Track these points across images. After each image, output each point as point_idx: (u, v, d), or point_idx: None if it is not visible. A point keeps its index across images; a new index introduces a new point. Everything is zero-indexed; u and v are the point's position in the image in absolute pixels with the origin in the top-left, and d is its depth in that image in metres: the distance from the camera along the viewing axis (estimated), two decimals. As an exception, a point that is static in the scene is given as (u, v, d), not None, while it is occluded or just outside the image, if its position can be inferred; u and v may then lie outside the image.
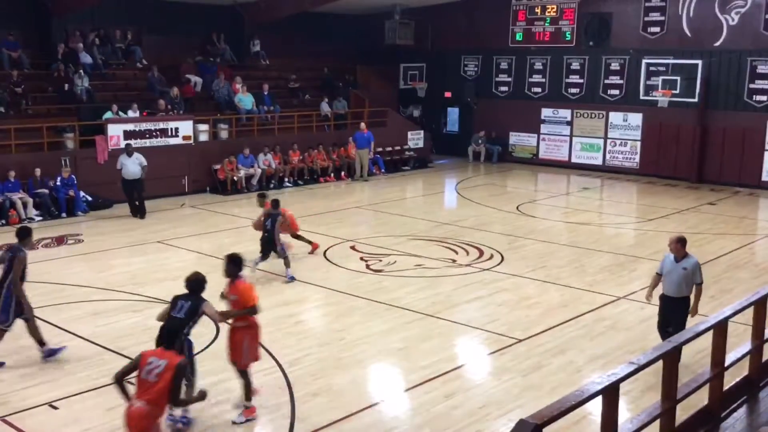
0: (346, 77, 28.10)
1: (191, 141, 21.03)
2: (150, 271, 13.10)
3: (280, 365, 8.98)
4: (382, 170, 25.33)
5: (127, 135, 19.49)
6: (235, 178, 21.39)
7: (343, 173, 24.11)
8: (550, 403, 4.77)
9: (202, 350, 9.10)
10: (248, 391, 7.81)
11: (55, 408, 7.84)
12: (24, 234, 9.33)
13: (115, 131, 19.41)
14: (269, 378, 8.66)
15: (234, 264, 7.90)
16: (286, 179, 22.79)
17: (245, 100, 23.36)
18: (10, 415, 7.62)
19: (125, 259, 14.07)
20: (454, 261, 13.98)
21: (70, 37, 22.25)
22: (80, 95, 20.52)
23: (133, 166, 17.71)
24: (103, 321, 10.51)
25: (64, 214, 17.65)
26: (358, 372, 9.02)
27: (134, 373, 6.18)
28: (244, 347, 7.75)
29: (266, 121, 23.84)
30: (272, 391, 8.35)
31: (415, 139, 27.53)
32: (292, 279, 12.51)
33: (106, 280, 12.51)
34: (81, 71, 20.83)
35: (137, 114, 20.39)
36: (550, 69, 26.81)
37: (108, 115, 19.68)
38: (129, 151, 17.90)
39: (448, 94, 29.21)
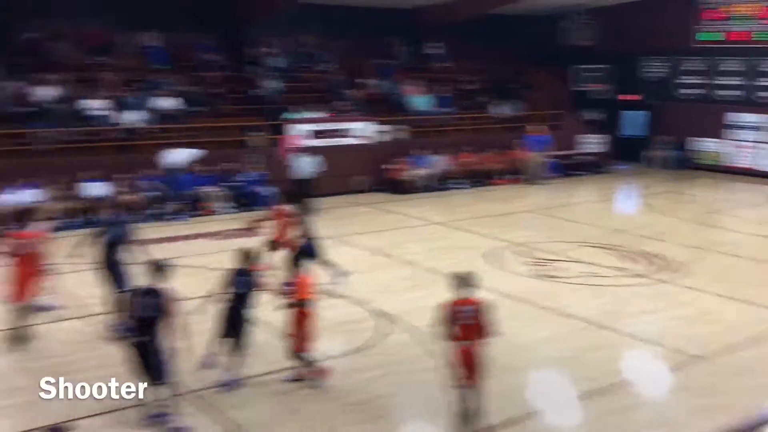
0: (520, 79, 27.79)
1: (369, 141, 21.74)
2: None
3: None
4: (557, 174, 24.79)
5: (310, 135, 20.53)
6: (408, 178, 21.84)
7: (514, 176, 23.88)
8: (726, 425, 4.51)
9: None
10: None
11: (231, 389, 8.40)
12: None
13: (299, 131, 20.50)
14: (436, 376, 8.76)
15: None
16: (458, 180, 22.92)
17: (421, 101, 23.78)
18: (193, 392, 8.26)
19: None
20: (628, 270, 13.44)
21: (261, 42, 23.77)
22: (269, 96, 21.87)
23: (306, 166, 18.46)
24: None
25: (250, 208, 18.83)
26: (522, 377, 8.92)
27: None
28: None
29: (441, 123, 24.14)
30: (439, 390, 8.45)
31: (591, 143, 26.67)
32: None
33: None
34: (270, 75, 22.23)
35: (320, 115, 21.40)
36: (740, 71, 24.98)
37: (288, 115, 20.81)
38: (303, 151, 18.66)
39: (626, 97, 28.02)
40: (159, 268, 7.48)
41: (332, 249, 13.89)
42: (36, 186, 16.57)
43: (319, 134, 20.82)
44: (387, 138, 22.58)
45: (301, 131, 20.56)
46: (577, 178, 25.07)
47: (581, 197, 22.35)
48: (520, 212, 19.29)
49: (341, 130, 21.27)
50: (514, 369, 9.04)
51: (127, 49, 21.65)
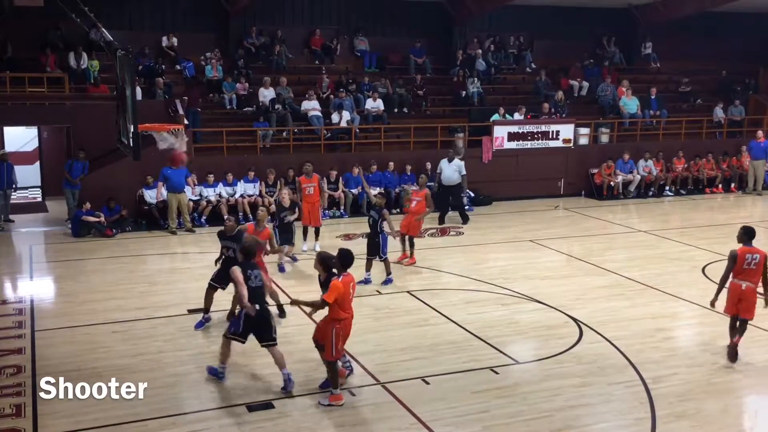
0: (746, 80, 25.66)
1: (571, 144, 21.18)
2: (520, 267, 13.56)
3: (643, 380, 8.67)
4: (783, 185, 22.65)
5: (511, 137, 20.42)
6: (612, 183, 21.01)
7: (733, 185, 22.15)
8: None
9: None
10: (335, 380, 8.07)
11: (427, 383, 8.60)
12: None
13: (500, 132, 20.44)
14: (630, 391, 8.42)
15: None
16: (668, 187, 21.69)
17: (630, 103, 22.76)
18: (389, 383, 8.58)
19: (499, 254, 14.78)
20: None
21: (468, 43, 23.98)
22: (472, 98, 22.02)
23: (450, 172, 17.87)
24: (474, 309, 11.21)
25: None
26: (732, 401, 8.30)
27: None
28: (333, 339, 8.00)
29: (650, 126, 22.97)
30: (632, 404, 8.11)
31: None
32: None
33: (481, 272, 13.27)
34: (474, 77, 22.37)
35: (522, 117, 21.18)
36: None
37: (495, 117, 20.78)
38: (450, 156, 18.01)
39: None
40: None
41: (530, 251, 13.78)
42: (256, 180, 17.97)
43: (521, 137, 20.60)
44: (591, 141, 21.85)
45: (503, 133, 20.46)
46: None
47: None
48: (736, 224, 17.77)
49: (542, 132, 20.89)
50: (722, 392, 8.45)
51: (342, 53, 22.80)
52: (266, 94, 19.88)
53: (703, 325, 10.80)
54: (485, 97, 22.42)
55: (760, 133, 21.97)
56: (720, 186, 22.13)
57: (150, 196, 17.06)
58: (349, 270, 8.14)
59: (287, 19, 22.45)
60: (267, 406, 7.97)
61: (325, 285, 8.15)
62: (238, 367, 8.96)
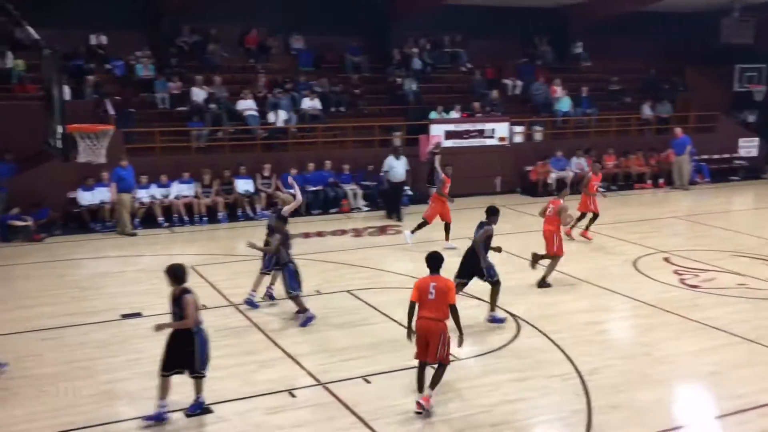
0: (672, 79, 26.51)
1: (506, 142, 21.49)
2: (458, 264, 13.63)
3: (579, 372, 8.85)
4: (707, 179, 23.47)
5: (448, 135, 20.58)
6: (548, 180, 21.40)
7: (661, 180, 22.84)
8: None
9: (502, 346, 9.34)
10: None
11: (368, 382, 8.59)
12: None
13: (438, 131, 20.59)
14: (566, 383, 8.59)
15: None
16: (599, 184, 22.17)
17: (562, 102, 23.23)
18: (330, 383, 8.53)
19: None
20: (785, 284, 12.51)
21: (404, 43, 24.06)
22: (408, 97, 22.11)
23: (402, 169, 18.18)
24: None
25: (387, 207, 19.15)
26: (664, 391, 8.53)
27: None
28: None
29: (582, 124, 23.49)
30: (569, 397, 8.27)
31: (748, 147, 25.06)
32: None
33: (420, 270, 13.19)
34: (412, 75, 22.48)
35: (459, 115, 21.39)
36: None
37: (433, 115, 20.92)
38: (398, 152, 18.38)
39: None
40: None
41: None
42: (191, 181, 17.67)
43: (457, 135, 20.81)
44: (525, 139, 22.24)
45: (440, 131, 20.62)
46: (730, 183, 23.64)
47: (733, 204, 21.03)
48: (665, 218, 18.41)
49: (479, 130, 21.15)
50: (655, 382, 8.68)
51: (278, 51, 22.57)
52: (199, 93, 19.55)
53: (635, 318, 11.11)
54: (422, 96, 22.54)
55: (678, 130, 22.69)
56: (649, 182, 22.77)
57: (85, 198, 16.58)
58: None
59: (221, 17, 22.04)
60: (205, 411, 7.83)
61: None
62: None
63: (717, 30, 25.66)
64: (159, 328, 7.77)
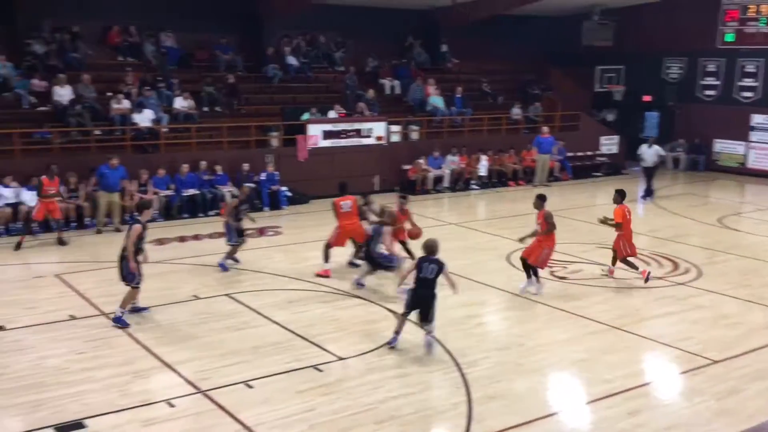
0: (540, 80, 27.69)
1: (384, 141, 21.74)
2: (339, 263, 13.67)
3: (458, 365, 9.07)
4: (570, 175, 24.67)
5: (326, 135, 20.58)
6: (425, 178, 21.82)
7: (520, 180, 23.80)
8: (745, 429, 4.44)
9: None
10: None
11: (251, 387, 8.44)
12: (142, 207, 10.74)
13: (315, 131, 20.53)
14: (447, 377, 8.78)
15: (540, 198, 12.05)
16: (473, 181, 22.87)
17: (437, 102, 23.76)
18: (210, 390, 8.32)
19: (318, 252, 14.75)
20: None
21: (279, 41, 23.83)
22: (286, 96, 21.92)
23: (650, 156, 20.97)
24: (295, 309, 11.16)
25: (266, 208, 18.92)
26: (538, 379, 8.88)
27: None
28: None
29: (457, 124, 24.11)
30: (449, 390, 8.46)
31: (609, 144, 26.56)
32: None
33: (300, 271, 13.23)
34: (287, 74, 22.30)
35: (335, 115, 21.42)
36: (765, 72, 24.75)
37: (305, 116, 20.83)
38: (650, 142, 21.36)
39: (647, 98, 27.86)
40: None
41: (349, 248, 13.92)
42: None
43: (334, 135, 20.84)
44: (402, 138, 22.58)
45: (318, 131, 20.57)
46: (592, 179, 24.95)
47: (596, 199, 22.21)
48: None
49: (356, 130, 21.27)
50: (529, 371, 9.02)
51: (146, 49, 21.76)
52: (62, 93, 18.55)
53: (509, 310, 11.51)
54: (298, 95, 22.41)
55: (545, 128, 23.75)
56: (519, 179, 23.67)
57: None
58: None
59: (83, 12, 20.98)
60: (77, 426, 7.44)
61: None
62: (43, 387, 8.28)
63: (579, 33, 27.07)
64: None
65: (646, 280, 12.50)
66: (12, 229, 15.87)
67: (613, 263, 13.11)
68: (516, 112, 25.27)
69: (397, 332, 9.64)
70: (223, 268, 13.10)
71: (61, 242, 15.11)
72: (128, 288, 10.36)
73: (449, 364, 9.12)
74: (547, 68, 28.39)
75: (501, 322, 11.26)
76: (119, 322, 10.21)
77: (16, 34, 20.13)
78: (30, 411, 7.76)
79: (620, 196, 12.98)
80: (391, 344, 9.58)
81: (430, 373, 8.89)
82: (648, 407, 8.13)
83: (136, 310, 10.69)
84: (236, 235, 13.22)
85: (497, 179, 23.31)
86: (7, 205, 15.90)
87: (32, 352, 9.37)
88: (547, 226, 11.88)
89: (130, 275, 10.27)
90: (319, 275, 12.78)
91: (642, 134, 28.22)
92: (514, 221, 17.83)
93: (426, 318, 9.44)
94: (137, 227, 10.19)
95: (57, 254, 14.66)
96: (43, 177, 15.04)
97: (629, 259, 12.86)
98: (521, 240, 12.29)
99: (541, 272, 12.25)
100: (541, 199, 12.17)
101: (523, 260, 12.08)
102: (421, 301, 9.39)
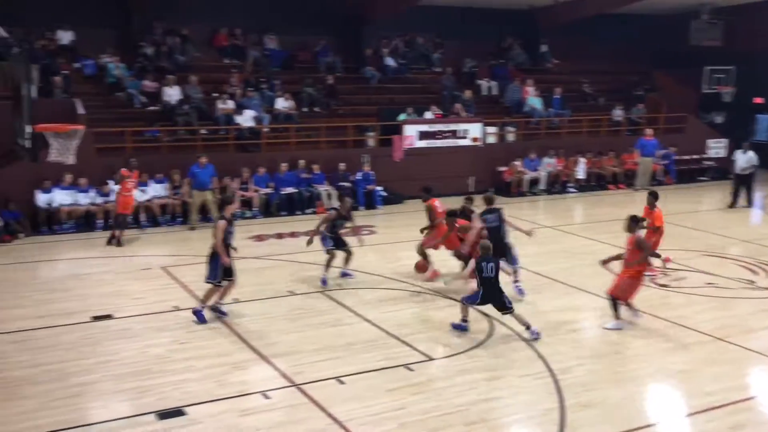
0: (644, 81, 26.85)
1: (479, 143, 21.61)
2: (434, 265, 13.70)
3: (551, 371, 8.93)
4: (674, 179, 23.81)
5: (422, 136, 20.66)
6: (521, 179, 21.56)
7: (630, 182, 23.15)
8: None
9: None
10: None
11: (342, 383, 8.58)
12: (224, 202, 10.72)
13: (411, 132, 20.64)
14: (539, 382, 8.66)
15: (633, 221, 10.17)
16: (570, 184, 22.42)
17: (535, 103, 23.43)
18: (304, 384, 8.51)
19: (411, 252, 14.82)
20: (752, 282, 12.73)
21: (378, 42, 24.09)
22: (383, 97, 22.15)
23: (743, 162, 19.93)
24: (387, 308, 11.27)
25: (362, 207, 19.15)
26: (634, 389, 8.63)
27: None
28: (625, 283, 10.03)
29: (554, 125, 23.70)
30: (541, 395, 8.34)
31: (716, 147, 25.46)
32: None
33: (393, 270, 13.34)
34: (385, 75, 22.53)
35: (432, 116, 21.46)
36: None
37: (402, 116, 20.96)
38: (744, 147, 20.30)
39: (758, 100, 26.51)
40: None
41: (441, 250, 13.92)
42: (165, 180, 17.53)
43: (430, 135, 20.89)
44: (498, 139, 22.40)
45: (413, 132, 20.68)
46: (698, 184, 24.00)
47: (702, 204, 21.35)
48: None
49: (452, 131, 21.25)
50: (625, 380, 8.79)
51: (250, 51, 22.44)
52: (171, 93, 19.38)
53: (606, 317, 11.20)
54: (395, 96, 22.59)
55: (648, 131, 22.99)
56: (620, 182, 23.03)
57: (42, 200, 16.34)
58: None
59: (192, 16, 21.91)
60: (178, 413, 7.77)
61: None
62: (147, 374, 8.70)
63: (685, 32, 26.05)
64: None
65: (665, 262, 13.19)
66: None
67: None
68: (617, 113, 24.61)
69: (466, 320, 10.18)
70: (323, 283, 12.26)
71: (118, 242, 15.26)
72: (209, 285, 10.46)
73: (542, 370, 8.99)
74: (651, 68, 27.50)
75: (597, 328, 10.97)
76: (198, 316, 10.37)
77: (129, 36, 21.19)
78: (135, 397, 8.16)
79: (654, 198, 13.24)
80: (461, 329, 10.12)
81: (521, 377, 8.79)
82: (752, 423, 7.77)
83: (216, 310, 10.71)
84: (332, 242, 12.45)
85: (595, 182, 22.77)
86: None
87: (138, 340, 9.85)
88: (640, 255, 10.21)
89: (212, 273, 10.33)
90: (429, 279, 12.71)
91: (753, 138, 26.93)
92: (614, 225, 17.32)
93: (504, 308, 9.88)
94: (222, 223, 10.30)
95: (164, 248, 15.34)
96: (123, 169, 15.41)
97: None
98: (604, 263, 10.93)
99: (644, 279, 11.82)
100: (634, 222, 10.27)
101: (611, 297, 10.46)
102: (491, 297, 9.82)
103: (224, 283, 10.56)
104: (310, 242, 12.21)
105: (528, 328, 9.92)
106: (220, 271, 10.37)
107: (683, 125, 25.09)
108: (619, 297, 10.36)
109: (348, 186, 19.22)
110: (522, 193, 21.54)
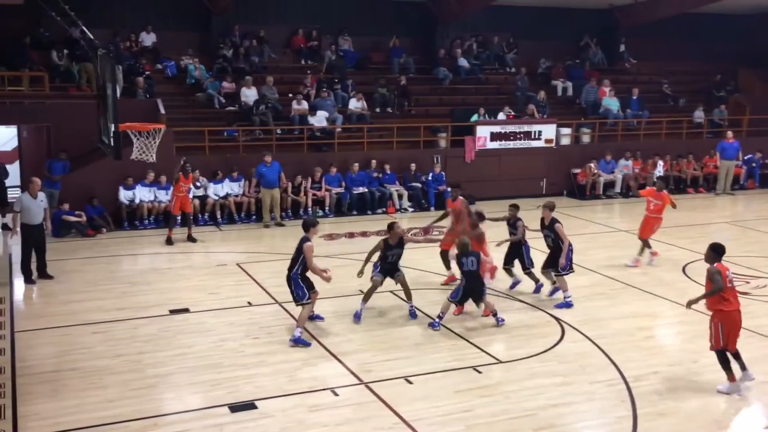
0: (725, 81, 25.93)
1: (553, 144, 21.30)
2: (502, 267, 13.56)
3: (624, 378, 8.73)
4: (756, 183, 22.90)
5: (494, 137, 20.50)
6: (596, 182, 21.15)
7: (708, 185, 22.40)
8: None
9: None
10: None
11: (410, 382, 8.61)
12: (309, 225, 10.00)
13: (483, 132, 20.50)
14: (611, 389, 8.48)
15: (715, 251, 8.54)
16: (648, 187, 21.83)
17: (612, 104, 22.92)
18: (372, 382, 8.58)
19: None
20: (842, 293, 12.14)
21: (451, 43, 24.03)
22: (456, 98, 22.07)
23: None
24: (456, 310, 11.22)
25: (433, 208, 19.14)
26: (712, 399, 8.34)
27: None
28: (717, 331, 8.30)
29: (632, 126, 23.14)
30: (613, 402, 8.16)
31: (805, 151, 24.33)
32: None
33: (463, 272, 13.26)
34: (458, 76, 22.44)
35: (505, 117, 21.26)
36: None
37: (474, 117, 20.84)
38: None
39: None
40: None
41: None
42: (241, 178, 17.94)
43: (503, 137, 20.70)
44: (572, 141, 22.01)
45: (486, 133, 20.53)
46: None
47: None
48: (716, 223, 18.05)
49: (525, 132, 20.99)
50: (702, 390, 8.52)
51: (325, 52, 22.73)
52: (248, 94, 19.80)
53: (683, 324, 10.88)
54: (468, 97, 22.48)
55: (730, 133, 22.20)
56: (700, 186, 22.33)
57: (124, 196, 16.93)
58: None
59: (269, 18, 22.37)
60: (249, 406, 7.94)
61: None
62: (221, 368, 8.93)
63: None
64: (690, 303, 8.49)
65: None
66: (199, 221, 17.16)
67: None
68: (698, 115, 23.84)
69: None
70: (357, 317, 10.77)
71: (191, 239, 15.62)
72: (300, 307, 9.95)
73: (614, 377, 8.80)
74: (735, 69, 26.52)
75: (673, 336, 10.68)
76: (300, 342, 9.68)
77: (209, 38, 21.75)
78: (208, 389, 8.39)
79: (664, 182, 14.75)
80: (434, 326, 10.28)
81: (593, 383, 8.62)
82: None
83: (312, 318, 10.52)
84: (380, 271, 10.94)
85: (674, 186, 22.12)
86: (196, 197, 17.20)
87: (213, 334, 10.11)
88: (707, 289, 8.37)
89: (300, 293, 9.79)
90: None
91: None
92: (693, 230, 16.87)
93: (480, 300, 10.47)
94: (310, 245, 9.71)
95: (239, 244, 15.70)
96: (179, 174, 15.65)
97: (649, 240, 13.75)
98: (689, 305, 8.58)
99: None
100: (717, 253, 8.52)
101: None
102: (473, 290, 10.33)
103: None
104: (361, 273, 10.79)
105: (495, 314, 10.43)
106: (307, 289, 9.89)
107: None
108: (721, 347, 8.39)
109: (396, 222, 19.24)
110: (597, 195, 21.12)
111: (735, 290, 8.45)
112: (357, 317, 10.65)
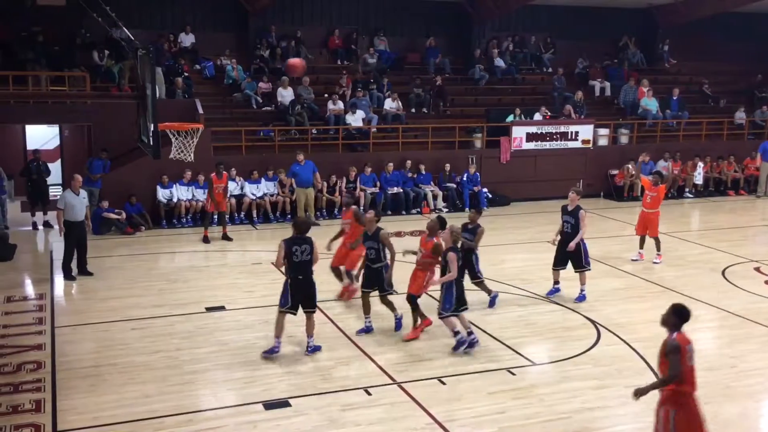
0: (767, 82, 25.40)
1: (590, 145, 21.08)
2: (537, 268, 13.46)
3: (661, 382, 8.61)
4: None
5: (530, 137, 20.36)
6: (632, 184, 20.88)
7: (741, 189, 21.98)
8: None
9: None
10: None
11: (443, 383, 8.60)
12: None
13: (519, 133, 20.37)
14: (647, 394, 8.35)
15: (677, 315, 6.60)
16: (687, 189, 21.51)
17: (651, 104, 22.61)
18: (405, 382, 8.59)
19: (516, 255, 14.74)
20: None
21: (487, 43, 23.93)
22: (491, 98, 21.96)
23: None
24: (490, 310, 11.20)
25: (467, 208, 19.07)
26: (750, 405, 8.21)
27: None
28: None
29: (670, 127, 22.80)
30: (650, 407, 8.04)
31: None
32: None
33: (498, 273, 13.22)
34: (494, 76, 22.33)
35: (542, 117, 21.10)
36: None
37: (510, 118, 20.72)
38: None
39: None
40: None
41: (548, 252, 13.72)
42: (276, 178, 18.08)
43: (539, 137, 20.55)
44: (610, 142, 21.76)
45: (521, 134, 20.40)
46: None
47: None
48: (757, 226, 17.70)
49: (561, 133, 20.81)
50: (741, 395, 8.38)
51: (361, 52, 22.81)
52: (285, 94, 19.94)
53: (721, 329, 10.72)
54: (504, 97, 22.37)
55: None
56: (741, 188, 21.92)
57: (162, 195, 17.17)
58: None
59: (306, 19, 22.52)
60: (284, 404, 8.01)
61: None
62: (256, 365, 9.02)
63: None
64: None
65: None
66: (236, 219, 17.35)
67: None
68: (740, 116, 23.40)
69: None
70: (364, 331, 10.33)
71: (226, 238, 15.79)
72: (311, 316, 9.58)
73: (650, 381, 8.67)
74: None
75: (711, 340, 10.50)
76: (316, 350, 9.52)
77: (247, 39, 21.97)
78: (243, 386, 8.48)
79: (660, 177, 14.32)
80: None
81: (629, 387, 8.45)
82: None
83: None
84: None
85: (714, 188, 21.76)
86: (233, 196, 17.38)
87: (248, 332, 10.22)
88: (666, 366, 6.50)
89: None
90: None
91: None
92: (734, 233, 16.57)
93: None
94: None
95: (274, 243, 15.77)
96: (213, 175, 15.76)
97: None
98: (636, 395, 6.65)
99: (760, 290, 11.22)
100: (678, 317, 6.72)
101: None
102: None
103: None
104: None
105: (470, 333, 9.53)
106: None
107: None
108: None
109: (454, 187, 19.22)
110: (635, 197, 20.84)
111: (694, 371, 6.39)
112: (365, 330, 10.21)
